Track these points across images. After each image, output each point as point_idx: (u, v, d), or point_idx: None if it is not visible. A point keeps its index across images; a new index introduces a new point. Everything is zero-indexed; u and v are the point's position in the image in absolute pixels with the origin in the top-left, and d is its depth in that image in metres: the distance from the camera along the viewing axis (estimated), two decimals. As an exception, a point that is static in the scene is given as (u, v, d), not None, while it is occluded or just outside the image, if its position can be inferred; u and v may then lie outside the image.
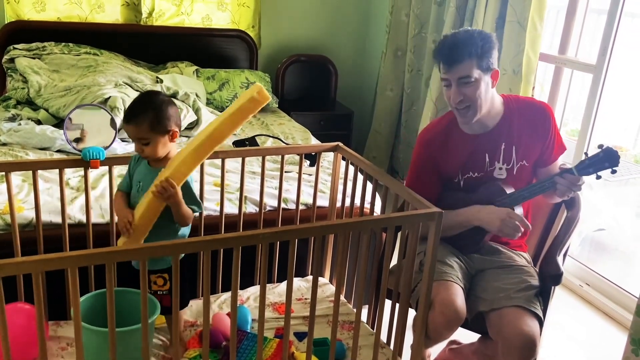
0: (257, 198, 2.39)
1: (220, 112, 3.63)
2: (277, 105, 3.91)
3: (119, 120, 2.85)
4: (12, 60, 3.47)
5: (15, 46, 3.54)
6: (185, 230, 1.82)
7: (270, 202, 2.42)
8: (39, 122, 3.01)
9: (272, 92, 4.08)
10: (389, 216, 1.65)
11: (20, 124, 2.91)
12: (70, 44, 3.67)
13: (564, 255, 2.04)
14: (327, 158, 2.90)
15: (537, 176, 2.05)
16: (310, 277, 2.39)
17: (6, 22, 3.68)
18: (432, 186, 2.05)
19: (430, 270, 1.71)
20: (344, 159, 2.22)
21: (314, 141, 3.22)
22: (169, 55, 4.01)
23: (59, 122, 3.01)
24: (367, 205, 2.35)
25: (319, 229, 1.56)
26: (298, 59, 4.36)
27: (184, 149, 1.66)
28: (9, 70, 3.45)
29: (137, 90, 3.11)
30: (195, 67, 3.78)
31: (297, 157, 2.81)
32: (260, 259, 1.49)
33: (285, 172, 2.69)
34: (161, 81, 3.35)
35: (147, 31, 3.98)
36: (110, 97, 2.93)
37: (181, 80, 3.45)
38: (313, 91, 4.49)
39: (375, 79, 4.38)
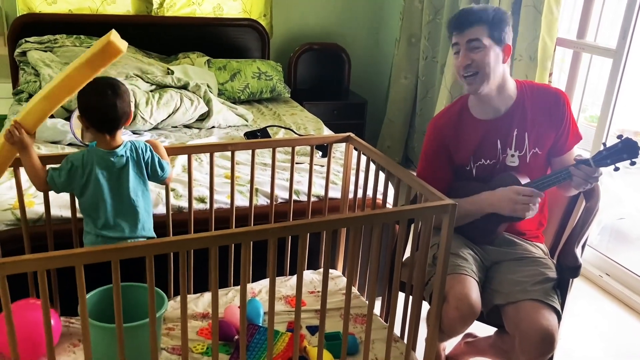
0: (269, 190, 2.36)
1: (233, 102, 3.61)
2: (289, 95, 3.87)
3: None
4: (24, 53, 3.47)
5: (27, 39, 3.54)
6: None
7: (282, 194, 2.39)
8: (51, 116, 3.00)
9: (285, 82, 4.06)
10: (400, 209, 1.61)
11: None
12: (82, 36, 3.66)
13: (583, 247, 1.98)
14: (339, 149, 2.86)
15: (552, 166, 1.99)
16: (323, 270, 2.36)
17: (18, 16, 3.68)
18: (444, 174, 2.01)
19: (444, 264, 1.68)
20: (356, 149, 2.18)
21: (327, 131, 3.18)
22: (181, 45, 3.98)
23: (70, 115, 3.01)
24: (380, 197, 2.32)
25: (328, 224, 1.52)
26: (310, 48, 4.31)
27: (35, 96, 1.69)
28: (21, 64, 3.45)
29: (147, 82, 3.09)
30: (207, 58, 3.75)
31: (309, 148, 2.78)
32: (270, 254, 1.46)
33: (297, 163, 2.66)
34: (172, 72, 3.33)
35: (158, 22, 3.95)
36: (120, 89, 2.91)
37: (192, 71, 3.42)
38: (326, 80, 4.44)
39: (389, 67, 4.32)
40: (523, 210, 1.82)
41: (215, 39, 4.07)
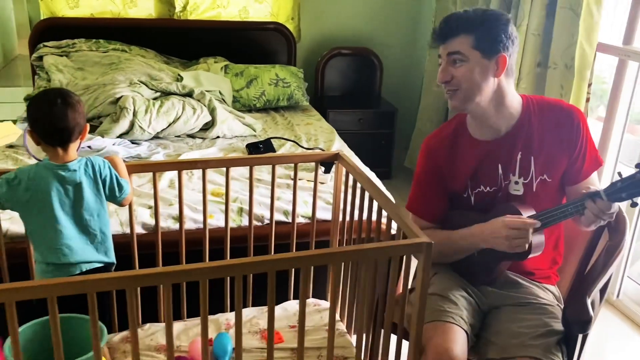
0: (257, 210, 2.18)
1: (248, 111, 3.44)
2: (307, 103, 3.66)
3: (127, 121, 2.72)
4: (40, 58, 3.42)
5: (46, 44, 3.50)
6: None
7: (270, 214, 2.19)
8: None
9: (312, 88, 3.86)
10: (363, 247, 1.37)
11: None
12: (101, 41, 3.59)
13: (602, 293, 1.68)
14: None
15: (568, 196, 1.70)
16: (311, 300, 2.13)
17: (40, 19, 3.66)
18: (438, 202, 1.76)
19: (419, 310, 1.43)
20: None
21: (338, 143, 2.94)
22: (204, 50, 3.85)
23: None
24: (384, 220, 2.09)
25: (273, 263, 1.31)
26: (340, 53, 4.09)
27: None
28: (37, 69, 3.41)
29: (152, 89, 2.97)
30: (225, 63, 3.59)
31: (312, 164, 2.57)
32: (201, 292, 1.26)
33: (296, 179, 2.45)
34: (181, 79, 3.19)
35: (180, 26, 3.84)
36: (121, 96, 2.79)
37: (204, 78, 3.28)
38: (356, 87, 4.22)
39: (422, 74, 4.04)
40: (521, 246, 1.55)
41: (239, 43, 3.92)
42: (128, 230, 2.04)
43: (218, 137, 2.93)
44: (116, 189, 1.67)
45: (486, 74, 1.58)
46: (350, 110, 3.90)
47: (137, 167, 1.80)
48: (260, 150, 2.70)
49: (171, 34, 3.83)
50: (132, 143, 2.74)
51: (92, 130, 2.80)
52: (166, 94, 2.95)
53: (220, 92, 3.24)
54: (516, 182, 1.68)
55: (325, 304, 2.13)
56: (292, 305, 2.10)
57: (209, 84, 3.23)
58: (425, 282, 1.40)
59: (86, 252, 1.66)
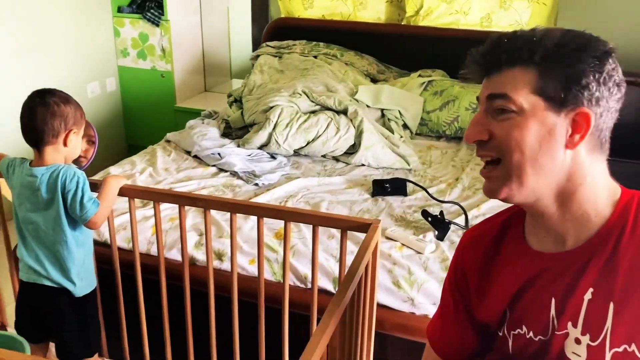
0: (300, 268, 1.78)
1: (437, 138, 2.90)
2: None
3: (266, 133, 2.54)
4: (258, 57, 3.49)
5: (269, 43, 3.56)
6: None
7: (320, 280, 1.75)
8: (226, 122, 2.93)
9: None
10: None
11: (203, 121, 2.90)
12: (321, 44, 3.48)
13: None
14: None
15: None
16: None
17: (273, 19, 3.74)
18: (459, 332, 1.10)
19: None
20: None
21: (490, 203, 2.18)
22: (428, 60, 3.39)
23: (243, 126, 2.88)
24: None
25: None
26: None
27: None
28: (252, 67, 3.49)
29: (312, 102, 2.70)
30: (429, 79, 3.09)
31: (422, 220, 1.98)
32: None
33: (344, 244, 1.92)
34: (355, 92, 2.84)
35: (406, 32, 3.46)
36: (273, 106, 2.62)
37: (387, 94, 2.85)
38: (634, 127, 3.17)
39: None
40: None
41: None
42: (168, 256, 1.88)
43: (363, 164, 2.51)
44: (77, 207, 1.53)
45: (552, 139, 0.87)
46: (625, 161, 2.83)
47: (136, 192, 1.62)
48: (386, 190, 2.21)
49: (396, 40, 3.49)
50: (272, 157, 2.56)
51: (241, 137, 2.72)
52: (325, 108, 2.66)
53: (400, 112, 2.79)
54: (577, 341, 0.91)
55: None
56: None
57: (390, 102, 2.81)
58: None
59: (36, 263, 1.58)
